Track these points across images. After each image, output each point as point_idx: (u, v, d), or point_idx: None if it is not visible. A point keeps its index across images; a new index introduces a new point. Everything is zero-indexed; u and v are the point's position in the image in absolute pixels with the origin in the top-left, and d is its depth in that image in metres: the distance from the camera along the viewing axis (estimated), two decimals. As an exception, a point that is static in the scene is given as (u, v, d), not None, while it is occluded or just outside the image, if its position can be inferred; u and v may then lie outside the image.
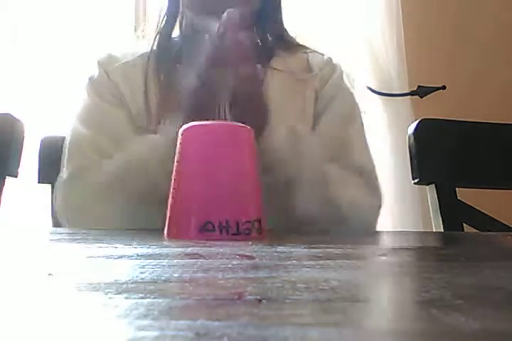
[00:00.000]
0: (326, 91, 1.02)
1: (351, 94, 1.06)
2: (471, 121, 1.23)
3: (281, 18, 1.06)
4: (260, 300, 0.27)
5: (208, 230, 0.62)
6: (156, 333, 0.21)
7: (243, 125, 0.68)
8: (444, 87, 1.96)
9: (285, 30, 1.06)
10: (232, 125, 0.69)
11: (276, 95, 0.95)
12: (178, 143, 0.67)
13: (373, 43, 1.95)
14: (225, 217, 0.63)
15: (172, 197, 0.66)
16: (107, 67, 1.01)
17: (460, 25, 2.06)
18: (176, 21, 1.04)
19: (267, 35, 1.05)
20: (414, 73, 1.96)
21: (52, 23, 1.95)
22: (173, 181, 0.66)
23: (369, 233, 0.93)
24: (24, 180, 1.18)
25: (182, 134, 0.67)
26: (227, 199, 0.64)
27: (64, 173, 0.94)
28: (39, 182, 1.18)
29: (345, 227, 0.90)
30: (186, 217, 0.64)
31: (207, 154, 0.65)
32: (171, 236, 0.65)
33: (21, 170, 1.15)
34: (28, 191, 1.56)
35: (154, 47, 1.02)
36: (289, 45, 1.05)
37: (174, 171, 0.66)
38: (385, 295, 0.33)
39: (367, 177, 0.97)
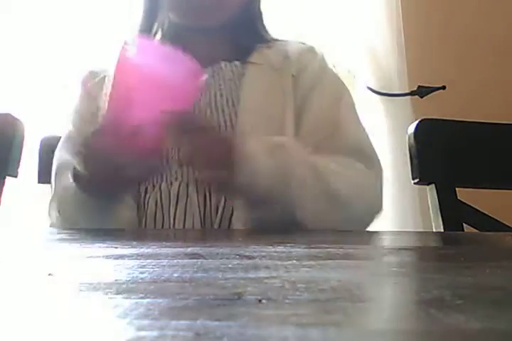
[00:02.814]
0: (306, 78, 1.00)
1: (336, 77, 1.05)
2: (471, 121, 1.23)
3: (258, 14, 1.07)
4: (260, 300, 0.27)
5: None
6: (156, 333, 0.21)
7: None
8: (444, 87, 1.96)
9: (263, 26, 1.07)
10: None
11: (255, 89, 0.97)
12: None
13: (373, 43, 1.95)
14: None
15: None
16: (88, 83, 1.03)
17: (460, 25, 2.06)
18: (154, 26, 1.04)
19: (246, 32, 1.05)
20: (414, 73, 1.96)
21: (53, 22, 1.95)
22: None
23: (374, 215, 0.92)
24: (24, 180, 1.18)
25: None
26: None
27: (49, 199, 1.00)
28: (39, 182, 1.18)
29: (350, 215, 0.89)
30: None
31: None
32: None
33: (21, 170, 1.14)
34: (28, 191, 1.56)
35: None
36: (267, 40, 1.06)
37: None
38: (385, 295, 0.33)
39: (360, 153, 0.95)
